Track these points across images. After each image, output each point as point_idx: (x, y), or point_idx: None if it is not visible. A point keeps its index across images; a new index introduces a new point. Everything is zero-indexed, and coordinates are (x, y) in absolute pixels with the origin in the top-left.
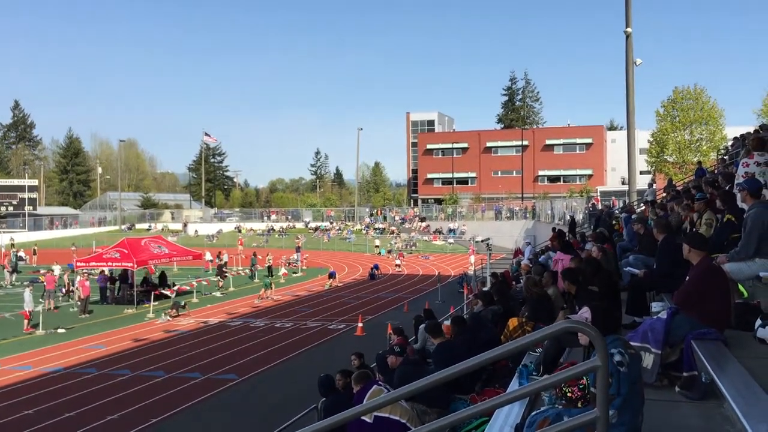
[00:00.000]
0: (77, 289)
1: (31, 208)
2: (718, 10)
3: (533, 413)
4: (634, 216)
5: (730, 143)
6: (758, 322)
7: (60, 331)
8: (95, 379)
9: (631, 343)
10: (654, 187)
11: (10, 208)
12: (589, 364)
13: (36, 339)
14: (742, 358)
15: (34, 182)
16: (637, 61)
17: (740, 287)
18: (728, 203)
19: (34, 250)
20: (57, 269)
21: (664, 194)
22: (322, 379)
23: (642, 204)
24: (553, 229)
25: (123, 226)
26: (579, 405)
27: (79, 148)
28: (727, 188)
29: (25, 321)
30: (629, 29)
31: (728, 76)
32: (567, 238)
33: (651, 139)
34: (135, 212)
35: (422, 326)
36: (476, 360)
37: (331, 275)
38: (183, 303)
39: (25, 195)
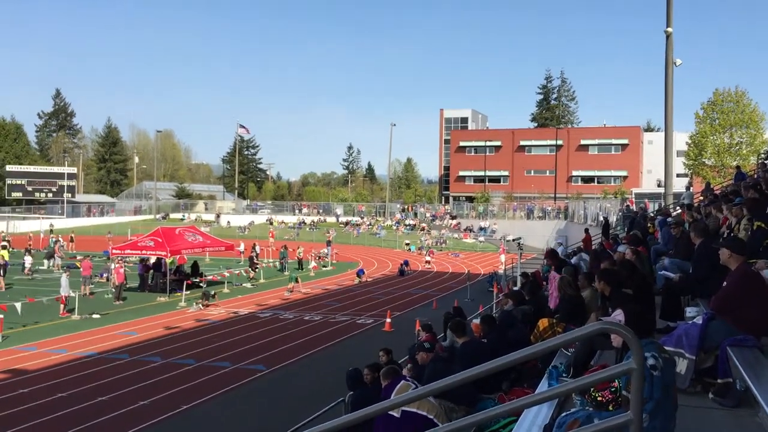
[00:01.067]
0: (112, 275)
1: (69, 195)
2: (760, 11)
3: (563, 414)
4: (670, 219)
5: None
6: None
7: (95, 316)
8: (127, 365)
9: (665, 348)
10: (691, 190)
11: (50, 195)
12: (624, 366)
13: (71, 323)
14: None
15: (73, 170)
16: (676, 62)
17: None
18: (754, 210)
19: (72, 237)
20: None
21: (701, 198)
22: (351, 373)
23: (678, 207)
24: (586, 230)
25: (158, 216)
26: (610, 408)
27: (117, 138)
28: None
29: (61, 306)
30: (670, 29)
31: None
32: (562, 255)
33: (689, 142)
34: (169, 202)
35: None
36: (507, 359)
37: (359, 274)
38: (213, 293)
39: (64, 182)
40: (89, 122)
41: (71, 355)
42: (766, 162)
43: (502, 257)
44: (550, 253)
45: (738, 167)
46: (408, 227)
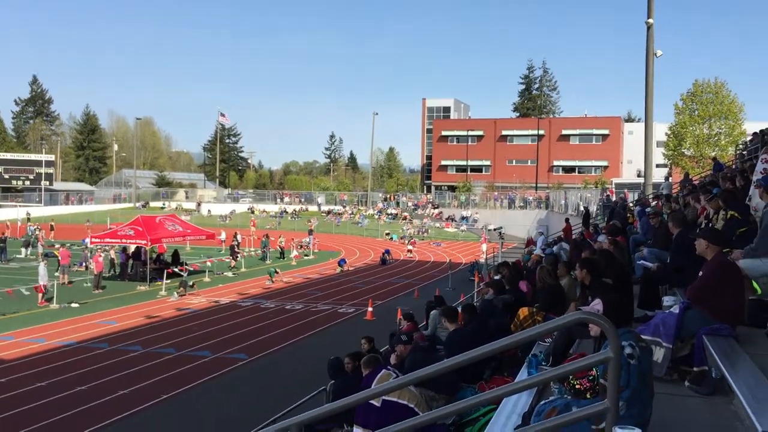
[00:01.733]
0: (91, 264)
1: (47, 183)
2: (741, 4)
3: (541, 403)
4: (649, 209)
5: (749, 138)
6: None
7: (73, 305)
8: (107, 354)
9: (642, 337)
10: (670, 180)
11: (27, 183)
12: (602, 355)
13: (50, 312)
14: (754, 355)
15: (51, 157)
16: (657, 53)
17: (754, 284)
18: (728, 201)
19: (51, 225)
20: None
21: (680, 188)
22: (332, 362)
23: (656, 198)
24: (566, 220)
25: (137, 204)
26: (588, 396)
27: (95, 125)
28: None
29: (40, 295)
30: (651, 20)
31: (749, 72)
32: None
33: (669, 132)
34: (149, 190)
35: (434, 312)
36: (487, 348)
37: (341, 263)
38: (192, 283)
39: (42, 170)
40: (67, 109)
41: (50, 345)
42: (744, 153)
43: (484, 246)
44: (512, 267)
45: (715, 158)
46: (390, 216)
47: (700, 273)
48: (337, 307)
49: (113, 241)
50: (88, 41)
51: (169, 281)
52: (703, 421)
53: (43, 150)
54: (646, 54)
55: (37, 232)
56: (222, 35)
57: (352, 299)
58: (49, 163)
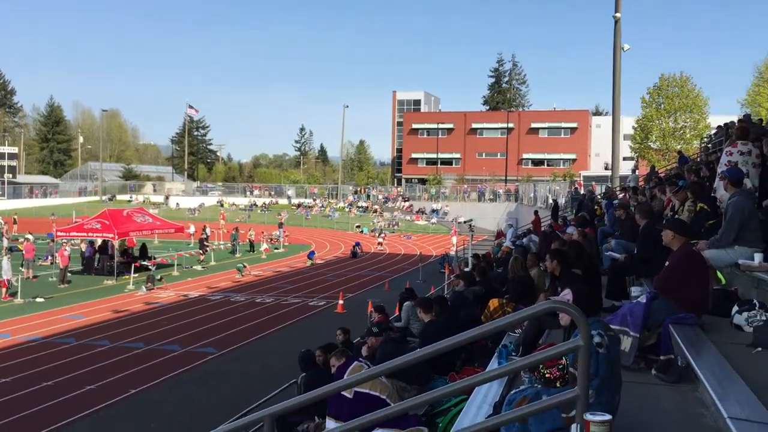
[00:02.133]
0: (56, 258)
1: (10, 176)
2: None
3: (512, 392)
4: (615, 201)
5: (713, 132)
6: (735, 308)
7: (39, 300)
8: (74, 349)
9: (611, 326)
10: (637, 173)
11: None
12: (572, 343)
13: (14, 307)
14: (718, 343)
15: (14, 150)
16: (624, 47)
17: (719, 274)
18: (697, 193)
19: (15, 219)
20: (31, 238)
21: (646, 181)
22: (303, 355)
23: (623, 190)
24: (535, 212)
25: (104, 197)
26: (558, 385)
27: (60, 117)
28: (697, 179)
29: (3, 289)
30: (618, 14)
31: (713, 66)
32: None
33: (635, 126)
34: (116, 183)
35: (407, 304)
36: (458, 338)
37: (310, 256)
38: (159, 277)
39: (5, 162)
40: (31, 100)
41: (14, 340)
42: (709, 146)
43: (454, 239)
44: (465, 275)
45: (680, 152)
46: (360, 209)
47: (667, 264)
48: (308, 300)
49: (79, 234)
50: (53, 31)
51: (137, 275)
52: (670, 409)
53: (6, 142)
54: (614, 48)
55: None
56: (190, 26)
57: (322, 292)
58: (12, 156)
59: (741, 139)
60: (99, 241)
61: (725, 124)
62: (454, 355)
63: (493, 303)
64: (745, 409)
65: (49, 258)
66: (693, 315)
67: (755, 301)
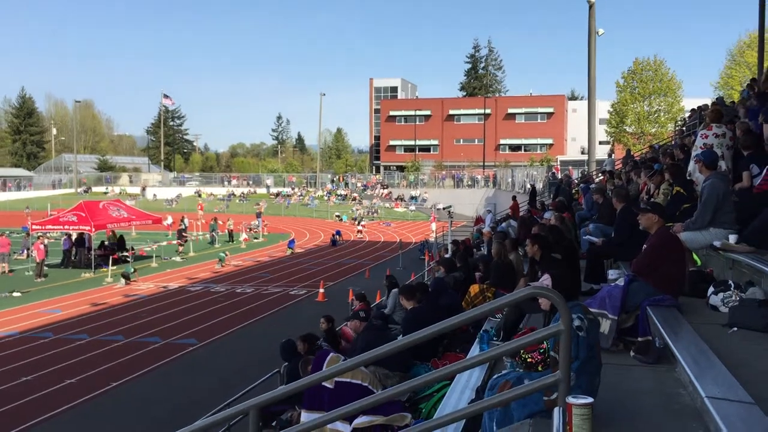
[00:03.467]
0: (32, 252)
1: None
2: None
3: (494, 376)
4: (592, 186)
5: (687, 115)
6: (711, 289)
7: (15, 294)
8: (52, 344)
9: (590, 309)
10: (613, 157)
11: None
12: (553, 328)
13: None
14: (695, 323)
15: None
16: (599, 32)
17: (694, 255)
18: (676, 176)
19: None
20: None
21: (622, 164)
22: (284, 344)
23: (600, 174)
24: (513, 198)
25: (79, 189)
26: (539, 369)
27: (32, 108)
28: (674, 162)
29: None
30: None
31: (687, 49)
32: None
33: (611, 110)
34: (91, 175)
35: (395, 290)
36: (442, 325)
37: (290, 245)
38: (133, 269)
39: None
40: (1, 92)
41: None
42: (683, 129)
43: (433, 225)
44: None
45: (651, 146)
46: (339, 197)
47: (644, 246)
48: (289, 289)
49: (55, 227)
50: (23, 21)
51: (115, 267)
52: (649, 389)
53: None
54: (588, 33)
55: None
56: (162, 13)
57: (303, 281)
58: None
59: (715, 121)
60: (75, 234)
61: (699, 107)
62: (437, 342)
63: (474, 288)
64: (722, 388)
65: (25, 252)
66: (670, 297)
67: (730, 281)
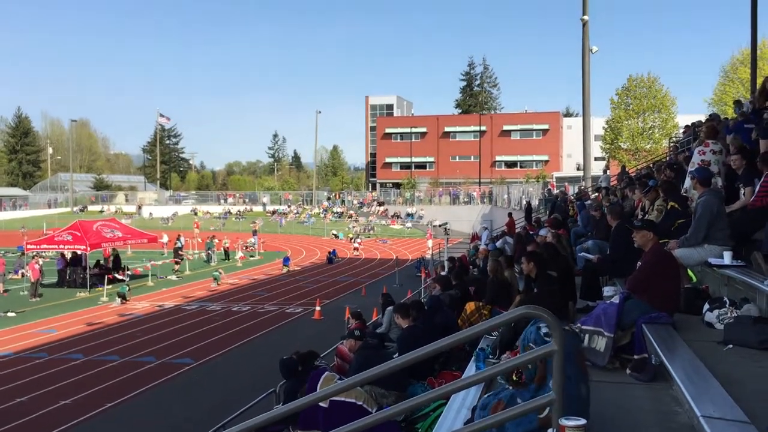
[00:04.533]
0: (27, 271)
1: None
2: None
3: (486, 395)
4: (588, 202)
5: (681, 131)
6: (706, 306)
7: (10, 314)
8: (47, 364)
9: (585, 327)
10: (608, 173)
11: None
12: (546, 348)
13: None
14: (691, 341)
15: None
16: (593, 49)
17: (689, 272)
18: (669, 192)
19: None
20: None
21: (618, 181)
22: (285, 362)
23: (597, 190)
24: (509, 214)
25: (75, 208)
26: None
27: (28, 128)
28: (668, 178)
29: None
30: (586, 17)
31: (681, 65)
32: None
33: (606, 126)
34: (87, 194)
35: (389, 308)
36: (438, 345)
37: (285, 263)
38: (128, 288)
39: None
40: None
41: None
42: (677, 145)
43: (429, 242)
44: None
45: (623, 167)
46: (336, 215)
47: (639, 263)
48: (285, 307)
49: (50, 247)
50: (18, 41)
51: (110, 287)
52: (645, 408)
53: None
54: (582, 50)
55: None
56: (158, 33)
57: (299, 299)
58: None
59: (711, 138)
60: (69, 254)
61: (693, 124)
62: (432, 360)
63: (470, 306)
64: (718, 406)
65: (20, 272)
66: (665, 314)
67: (725, 298)
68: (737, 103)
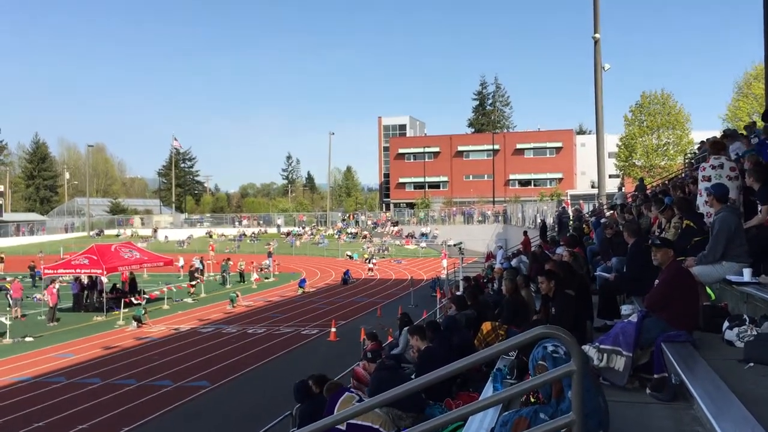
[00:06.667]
0: (45, 296)
1: None
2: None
3: (507, 412)
4: (603, 220)
5: (696, 147)
6: (725, 324)
7: (28, 339)
8: (64, 388)
9: (603, 346)
10: (623, 190)
11: None
12: (565, 368)
13: (3, 348)
14: (711, 359)
15: (0, 188)
16: (605, 66)
17: (708, 290)
18: (684, 209)
19: (1, 257)
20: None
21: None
22: (298, 385)
23: (611, 208)
24: (524, 233)
25: (91, 232)
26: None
27: (45, 153)
28: (683, 195)
29: None
30: (597, 35)
31: (695, 82)
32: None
33: (620, 144)
34: (104, 218)
35: (406, 329)
36: (456, 366)
37: (301, 284)
38: (144, 311)
39: None
40: (15, 138)
41: (3, 381)
42: (693, 161)
43: (444, 262)
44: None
45: (641, 180)
46: (350, 235)
47: (657, 281)
48: (300, 328)
49: (67, 271)
50: (36, 66)
51: (126, 310)
52: (666, 428)
53: None
54: (595, 68)
55: None
56: (172, 57)
57: (314, 320)
58: None
59: (714, 153)
60: (85, 278)
61: (707, 139)
62: (450, 381)
63: (486, 326)
64: (739, 426)
65: (36, 297)
66: (684, 332)
67: (745, 316)
68: (749, 128)
